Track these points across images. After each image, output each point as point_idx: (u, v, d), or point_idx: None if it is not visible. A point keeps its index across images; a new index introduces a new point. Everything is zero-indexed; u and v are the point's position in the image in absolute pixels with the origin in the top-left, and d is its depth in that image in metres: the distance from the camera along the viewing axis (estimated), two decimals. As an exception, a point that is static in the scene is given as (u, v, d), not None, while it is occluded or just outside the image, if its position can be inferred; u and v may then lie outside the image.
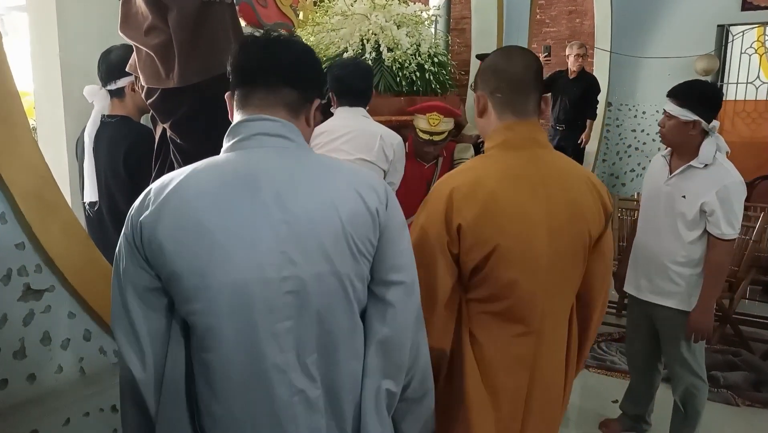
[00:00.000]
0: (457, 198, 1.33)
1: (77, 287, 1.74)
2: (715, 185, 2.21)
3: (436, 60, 2.76)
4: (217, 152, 1.88)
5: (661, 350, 2.55)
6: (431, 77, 2.69)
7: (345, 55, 2.67)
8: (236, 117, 1.12)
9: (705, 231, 2.27)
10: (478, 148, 2.42)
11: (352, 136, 2.26)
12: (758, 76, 6.54)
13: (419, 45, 2.72)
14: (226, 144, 1.11)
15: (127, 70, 1.90)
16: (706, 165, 2.24)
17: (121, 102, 2.29)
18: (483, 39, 4.27)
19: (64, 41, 2.56)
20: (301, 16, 3.99)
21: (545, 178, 1.38)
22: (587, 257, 1.44)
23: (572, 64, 5.60)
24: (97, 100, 2.28)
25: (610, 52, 6.58)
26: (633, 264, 2.53)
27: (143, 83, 1.81)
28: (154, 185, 1.06)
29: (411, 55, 2.67)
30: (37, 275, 1.66)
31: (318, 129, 2.27)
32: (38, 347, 1.68)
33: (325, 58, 2.81)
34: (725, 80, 6.80)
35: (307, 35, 3.39)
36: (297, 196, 1.02)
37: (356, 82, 2.32)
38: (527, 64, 1.42)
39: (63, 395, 1.72)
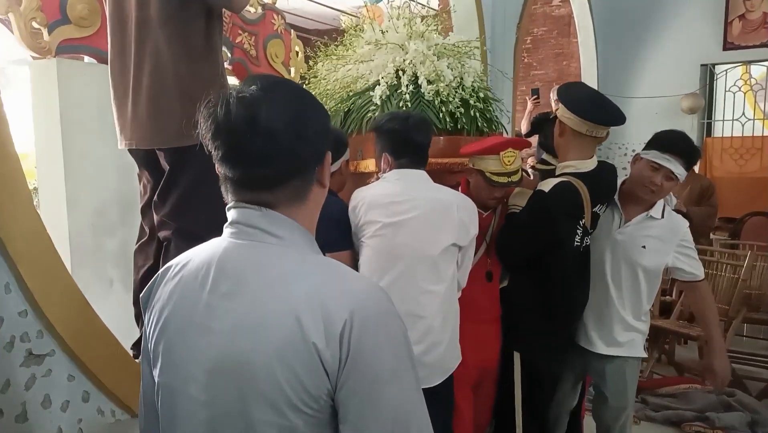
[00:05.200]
0: None
1: (76, 351, 1.80)
2: (677, 233, 2.16)
3: (481, 95, 2.42)
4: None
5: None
6: (477, 114, 2.34)
7: (377, 88, 2.28)
8: None
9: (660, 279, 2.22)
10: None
11: (423, 211, 1.79)
12: (743, 113, 6.71)
13: (462, 78, 2.38)
14: None
15: None
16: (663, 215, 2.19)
17: None
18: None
19: (65, 104, 2.67)
20: (293, 74, 4.15)
21: None
22: None
23: (556, 106, 5.76)
24: None
25: (598, 92, 6.76)
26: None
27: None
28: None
29: (454, 89, 2.31)
30: (39, 341, 1.73)
31: (369, 196, 1.85)
32: (39, 410, 1.73)
33: (351, 93, 2.42)
34: (712, 117, 6.97)
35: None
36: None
37: (420, 136, 1.85)
38: None
39: (62, 457, 1.76)
